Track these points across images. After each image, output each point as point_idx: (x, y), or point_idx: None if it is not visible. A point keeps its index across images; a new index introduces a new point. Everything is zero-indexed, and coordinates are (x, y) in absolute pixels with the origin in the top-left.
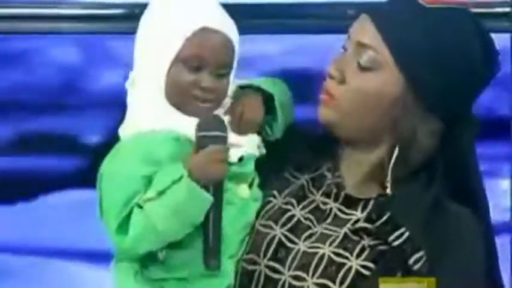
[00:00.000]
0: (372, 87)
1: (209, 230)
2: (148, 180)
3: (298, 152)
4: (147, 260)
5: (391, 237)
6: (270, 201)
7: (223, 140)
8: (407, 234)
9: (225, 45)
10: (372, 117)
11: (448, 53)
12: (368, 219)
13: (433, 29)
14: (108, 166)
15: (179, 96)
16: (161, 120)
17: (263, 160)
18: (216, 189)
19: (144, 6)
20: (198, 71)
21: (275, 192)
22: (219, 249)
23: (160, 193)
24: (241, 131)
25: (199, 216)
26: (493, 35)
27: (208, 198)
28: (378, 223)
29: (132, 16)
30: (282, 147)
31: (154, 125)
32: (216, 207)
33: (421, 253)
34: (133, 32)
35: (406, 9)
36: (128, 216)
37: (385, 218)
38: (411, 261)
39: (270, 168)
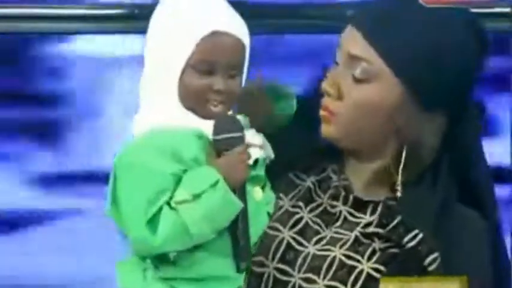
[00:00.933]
0: (370, 98)
1: (239, 233)
2: (177, 178)
3: (303, 153)
4: (158, 258)
5: (406, 239)
6: (277, 203)
7: (242, 140)
8: (421, 235)
9: (235, 47)
10: (375, 128)
11: (442, 52)
12: (379, 224)
13: (424, 29)
14: (133, 159)
15: (193, 100)
16: (178, 118)
17: (269, 162)
18: (240, 191)
19: (144, 6)
20: (210, 74)
21: (281, 195)
22: (250, 251)
23: (196, 196)
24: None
25: (228, 221)
26: (493, 35)
27: (239, 203)
28: (390, 227)
29: (133, 16)
30: (287, 149)
31: (172, 120)
32: (243, 211)
33: (436, 254)
34: (134, 32)
35: (392, 13)
36: (157, 213)
37: (396, 221)
38: (427, 262)
39: (275, 171)
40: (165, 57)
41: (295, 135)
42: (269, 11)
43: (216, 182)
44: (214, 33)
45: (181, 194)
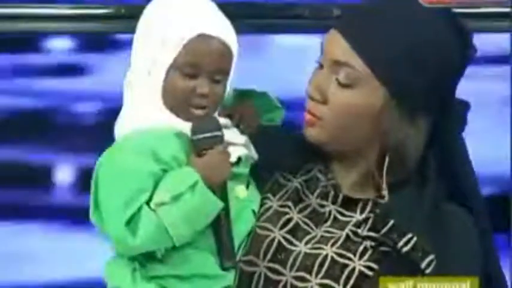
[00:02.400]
0: (355, 103)
1: (222, 231)
2: (156, 178)
3: (288, 154)
4: (146, 257)
5: (400, 244)
6: (264, 204)
7: (221, 138)
8: (415, 239)
9: (222, 51)
10: (359, 132)
11: (425, 56)
12: (372, 229)
13: (406, 33)
14: (112, 161)
15: (176, 103)
16: (159, 120)
17: (254, 163)
18: (221, 190)
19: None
20: (195, 77)
21: (269, 195)
22: (233, 249)
23: (175, 198)
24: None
25: (208, 221)
26: (493, 35)
27: (219, 203)
28: (383, 231)
29: (120, 16)
30: (271, 150)
31: (153, 123)
32: (225, 209)
33: (431, 256)
34: (121, 31)
35: (376, 17)
36: (137, 213)
37: (389, 225)
38: (423, 265)
39: (260, 171)
40: (151, 57)
41: (279, 136)
42: (255, 11)
43: (195, 183)
44: (202, 36)
45: (160, 195)
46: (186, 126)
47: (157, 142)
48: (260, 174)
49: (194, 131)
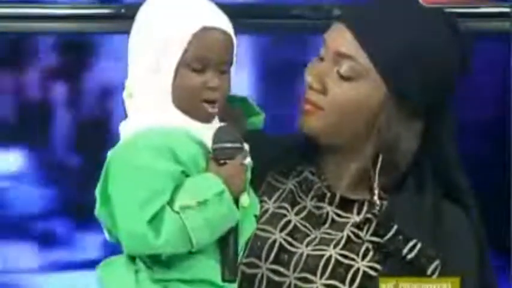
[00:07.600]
0: (355, 96)
1: (229, 243)
2: (175, 178)
3: (278, 156)
4: (151, 259)
5: (405, 251)
6: (261, 206)
7: (242, 151)
8: (419, 245)
9: (225, 42)
10: (356, 126)
11: (428, 55)
12: (376, 233)
13: (411, 32)
14: (127, 157)
15: (189, 101)
16: (171, 121)
17: None
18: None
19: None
20: (203, 72)
21: (264, 197)
22: (236, 263)
23: (201, 204)
24: None
25: (225, 231)
26: (492, 35)
27: (237, 214)
28: (388, 236)
29: (120, 16)
30: (261, 153)
31: (164, 124)
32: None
33: (436, 262)
34: (121, 31)
35: (382, 14)
36: (159, 213)
37: (393, 231)
38: (429, 271)
39: (252, 174)
40: (155, 59)
41: (267, 139)
42: (254, 11)
43: (221, 192)
44: (205, 29)
45: (184, 199)
46: (199, 127)
47: (175, 142)
48: (252, 178)
49: (217, 139)
